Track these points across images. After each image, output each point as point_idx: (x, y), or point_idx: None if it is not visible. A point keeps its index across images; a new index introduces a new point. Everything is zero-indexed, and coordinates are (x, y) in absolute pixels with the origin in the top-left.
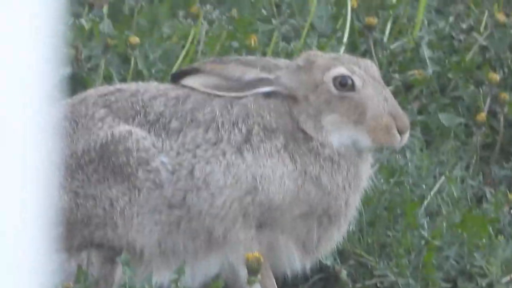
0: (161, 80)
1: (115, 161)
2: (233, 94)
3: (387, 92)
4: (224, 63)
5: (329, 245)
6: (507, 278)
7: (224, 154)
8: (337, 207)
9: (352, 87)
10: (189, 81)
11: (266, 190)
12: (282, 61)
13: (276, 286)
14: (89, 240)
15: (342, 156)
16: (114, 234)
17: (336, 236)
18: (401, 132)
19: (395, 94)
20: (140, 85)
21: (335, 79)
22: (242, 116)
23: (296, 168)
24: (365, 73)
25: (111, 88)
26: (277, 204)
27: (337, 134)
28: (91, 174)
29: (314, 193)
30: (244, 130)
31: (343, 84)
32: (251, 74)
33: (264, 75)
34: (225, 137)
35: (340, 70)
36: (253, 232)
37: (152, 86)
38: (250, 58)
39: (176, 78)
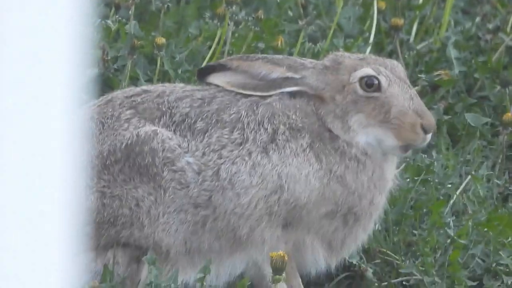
0: (187, 80)
1: (141, 161)
2: (259, 93)
3: (413, 91)
4: (251, 60)
5: (354, 244)
6: None
7: (250, 154)
8: (362, 206)
9: (378, 88)
10: (214, 78)
11: (292, 189)
12: (309, 61)
13: (301, 286)
14: (115, 239)
15: (368, 156)
16: (141, 234)
17: (362, 235)
18: (426, 131)
19: (422, 94)
20: (166, 86)
21: (361, 79)
22: (268, 116)
23: (322, 167)
24: (391, 73)
25: (137, 89)
26: (303, 203)
27: (363, 134)
28: (117, 174)
29: (339, 192)
30: (269, 130)
31: (369, 84)
32: (277, 72)
33: (290, 74)
34: (250, 137)
35: (367, 70)
36: (279, 232)
37: (178, 88)
38: (277, 56)
39: (202, 74)
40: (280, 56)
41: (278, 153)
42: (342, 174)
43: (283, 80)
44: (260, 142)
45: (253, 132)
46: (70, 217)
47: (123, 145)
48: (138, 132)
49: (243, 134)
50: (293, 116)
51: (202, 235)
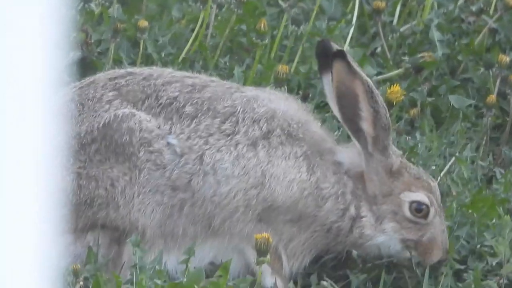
0: (171, 63)
1: (118, 139)
2: (338, 115)
3: (444, 221)
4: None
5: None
6: None
7: (236, 145)
8: (325, 227)
9: (425, 216)
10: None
11: (272, 188)
12: (394, 150)
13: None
14: (93, 221)
15: (365, 238)
16: (117, 214)
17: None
18: (438, 261)
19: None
20: (154, 70)
21: (413, 203)
22: (267, 117)
23: (309, 179)
24: (436, 201)
25: (122, 71)
26: (277, 205)
27: (388, 237)
28: (93, 155)
29: (310, 210)
30: (264, 129)
31: (419, 210)
32: (369, 126)
33: (372, 139)
34: (242, 130)
35: (422, 197)
36: (253, 226)
37: (166, 72)
38: (387, 116)
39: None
40: (390, 122)
41: (267, 151)
42: (326, 197)
43: (364, 133)
44: (251, 136)
45: (246, 127)
46: (47, 199)
47: (101, 124)
48: (116, 113)
49: (235, 127)
50: (294, 126)
51: (178, 219)
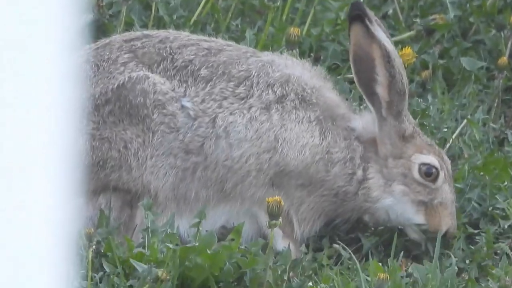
0: (183, 26)
1: (132, 100)
2: (353, 70)
3: (454, 193)
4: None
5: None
6: None
7: (250, 108)
8: (333, 192)
9: (434, 180)
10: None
11: (284, 153)
12: (410, 119)
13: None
14: (105, 183)
15: (372, 201)
16: (129, 176)
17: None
18: (447, 235)
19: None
20: (171, 33)
21: (423, 165)
22: (281, 82)
23: (322, 144)
24: (447, 169)
25: (138, 33)
26: (289, 170)
27: (397, 200)
28: (106, 116)
29: (320, 175)
30: (278, 93)
31: (428, 173)
32: (384, 91)
33: (386, 104)
34: (256, 94)
35: (432, 159)
36: (265, 190)
37: (183, 35)
38: (405, 81)
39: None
40: (406, 87)
41: (281, 114)
42: (335, 162)
43: (379, 97)
44: (265, 100)
45: (259, 91)
46: (60, 161)
47: (115, 86)
48: (130, 75)
49: (249, 91)
50: (308, 91)
51: (190, 182)
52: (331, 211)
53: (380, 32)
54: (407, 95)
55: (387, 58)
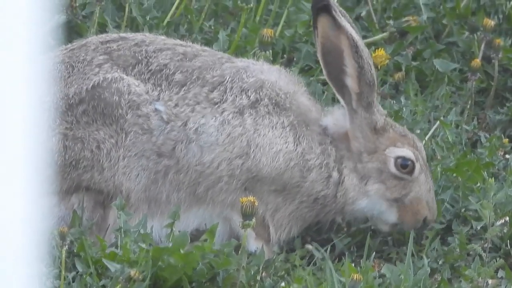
0: (156, 27)
1: (107, 98)
2: (324, 69)
3: (431, 181)
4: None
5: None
6: (501, 221)
7: (222, 112)
8: (311, 197)
9: (410, 172)
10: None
11: (257, 159)
12: (381, 111)
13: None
14: (77, 183)
15: (348, 204)
16: (101, 177)
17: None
18: (426, 223)
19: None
20: (147, 36)
21: (398, 158)
22: (255, 87)
23: (296, 150)
24: (422, 158)
25: (114, 35)
26: (262, 176)
27: (371, 201)
28: (80, 116)
29: (295, 181)
30: (252, 98)
31: (404, 166)
32: (354, 83)
33: (356, 96)
34: (230, 99)
35: (408, 152)
36: (236, 195)
37: (159, 39)
38: (374, 74)
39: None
40: (375, 78)
41: (254, 119)
42: (311, 168)
43: (349, 89)
44: (239, 104)
45: (233, 95)
46: (33, 160)
47: (90, 86)
48: (105, 76)
49: (223, 96)
50: (282, 96)
51: (162, 185)
52: (311, 217)
53: (346, 23)
54: (376, 86)
55: (355, 49)
